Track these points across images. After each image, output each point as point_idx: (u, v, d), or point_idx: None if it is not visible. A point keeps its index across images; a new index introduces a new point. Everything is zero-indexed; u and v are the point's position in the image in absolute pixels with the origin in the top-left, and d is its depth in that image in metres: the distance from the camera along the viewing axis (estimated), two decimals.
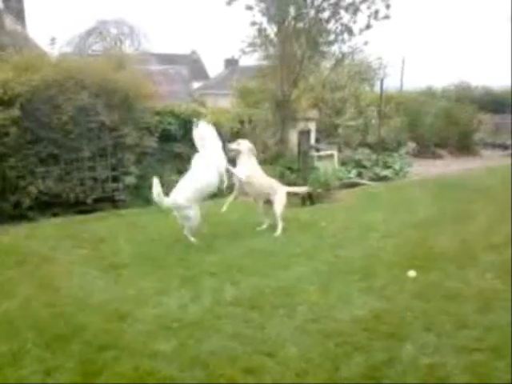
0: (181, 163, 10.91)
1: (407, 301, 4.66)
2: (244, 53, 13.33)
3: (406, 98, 20.58)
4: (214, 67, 50.72)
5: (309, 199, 9.58)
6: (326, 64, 15.02)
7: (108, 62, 9.70)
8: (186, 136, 10.86)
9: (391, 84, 32.52)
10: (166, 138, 10.51)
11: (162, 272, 5.42)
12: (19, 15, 21.25)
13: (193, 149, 10.96)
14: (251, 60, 13.64)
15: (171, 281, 5.16)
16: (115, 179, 9.56)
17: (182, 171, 10.63)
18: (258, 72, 14.31)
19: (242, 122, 11.49)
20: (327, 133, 16.53)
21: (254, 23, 12.20)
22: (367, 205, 9.01)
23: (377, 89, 22.49)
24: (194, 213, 6.46)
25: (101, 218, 8.05)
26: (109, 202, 9.51)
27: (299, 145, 9.62)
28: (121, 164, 9.59)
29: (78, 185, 9.07)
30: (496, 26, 50.22)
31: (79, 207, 9.08)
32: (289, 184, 10.61)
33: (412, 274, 5.29)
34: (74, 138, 8.85)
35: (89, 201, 9.13)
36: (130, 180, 9.54)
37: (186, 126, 10.79)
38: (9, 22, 18.96)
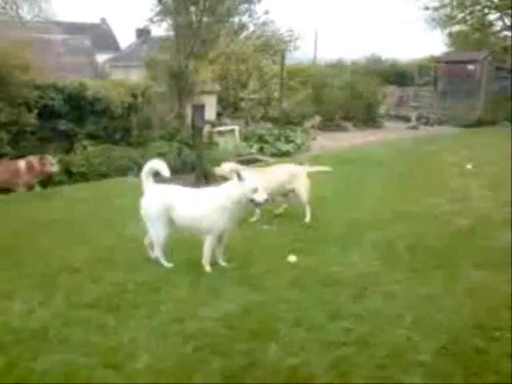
0: (68, 141, 10.08)
1: (282, 290, 4.35)
2: (152, 22, 12.49)
3: (315, 71, 20.53)
4: (126, 37, 48.32)
5: (204, 178, 9.12)
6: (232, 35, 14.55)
7: None
8: (73, 112, 10.04)
9: (305, 56, 32.76)
10: (48, 114, 9.60)
11: (16, 270, 4.75)
12: None
13: (79, 125, 10.19)
14: (161, 30, 12.83)
15: (24, 280, 4.52)
16: None
17: (69, 150, 9.83)
18: (163, 43, 13.56)
19: (134, 96, 10.72)
20: (234, 107, 16.12)
21: None
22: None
23: (288, 61, 22.35)
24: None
25: None
26: None
27: (193, 120, 9.08)
28: None
29: None
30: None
31: None
32: (184, 162, 10.13)
33: (292, 259, 5.01)
34: None
35: None
36: None
37: (72, 101, 9.94)
38: None
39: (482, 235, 5.78)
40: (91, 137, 10.19)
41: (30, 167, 8.37)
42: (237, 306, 4.03)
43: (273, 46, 25.53)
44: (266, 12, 11.77)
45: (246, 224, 6.23)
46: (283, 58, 13.85)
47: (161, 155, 10.23)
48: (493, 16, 25.14)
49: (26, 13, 45.90)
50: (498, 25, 25.94)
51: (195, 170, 9.33)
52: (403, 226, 6.11)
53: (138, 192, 5.07)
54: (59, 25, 31.77)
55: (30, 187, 8.42)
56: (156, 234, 4.93)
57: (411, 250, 5.26)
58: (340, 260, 5.05)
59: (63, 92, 9.76)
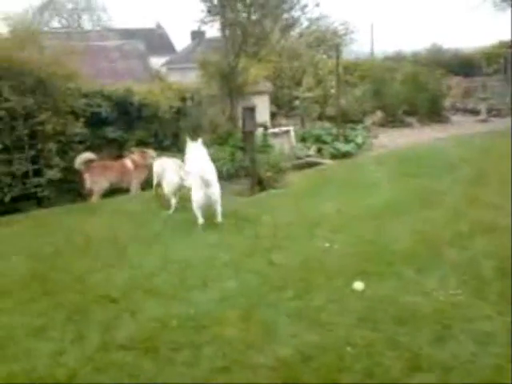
0: (118, 149, 9.74)
1: (348, 329, 3.64)
2: (204, 23, 12.03)
3: (373, 65, 19.49)
4: (183, 40, 48.83)
5: (258, 185, 8.51)
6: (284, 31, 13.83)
7: (15, 39, 8.34)
8: (121, 119, 9.69)
9: (362, 50, 31.59)
10: (96, 122, 9.29)
11: (49, 300, 4.31)
12: None
13: (129, 132, 9.84)
14: (214, 30, 12.39)
15: (56, 313, 4.07)
16: (38, 173, 8.37)
17: (120, 157, 9.47)
18: (214, 43, 13.12)
19: (183, 100, 10.28)
20: (289, 106, 15.43)
21: None
22: (321, 190, 7.96)
23: (344, 56, 21.32)
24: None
25: (11, 222, 6.85)
26: (33, 199, 8.34)
27: (243, 123, 8.49)
28: (42, 155, 8.38)
29: None
30: None
31: None
32: (238, 167, 9.53)
33: (359, 285, 4.29)
34: None
35: (7, 199, 7.95)
36: (52, 174, 8.33)
37: (119, 107, 9.60)
38: None
39: None
40: (141, 143, 9.81)
41: (135, 163, 8.67)
42: (294, 351, 3.38)
43: (327, 41, 24.65)
44: (317, 5, 10.95)
45: (299, 240, 5.59)
46: (339, 52, 13.03)
47: (213, 160, 9.78)
48: None
49: (86, 23, 47.50)
50: None
51: (249, 174, 8.75)
52: (487, 241, 5.21)
53: None
54: (115, 32, 32.29)
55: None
56: None
57: (501, 273, 4.40)
58: (415, 287, 4.28)
59: (110, 99, 9.44)
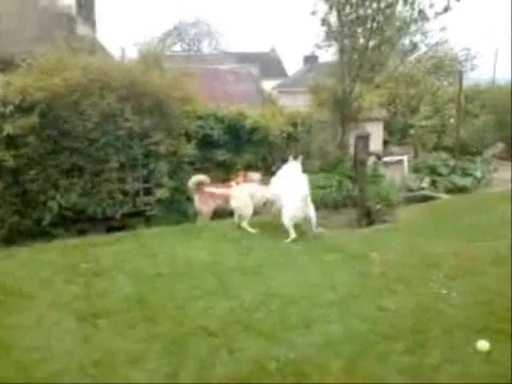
0: (225, 172, 9.76)
1: None
2: (319, 47, 11.95)
3: (496, 93, 18.15)
4: (294, 64, 49.61)
5: (366, 217, 8.07)
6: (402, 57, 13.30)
7: (140, 63, 8.72)
8: (231, 142, 9.75)
9: (481, 77, 29.65)
10: (207, 144, 9.41)
11: (148, 326, 4.22)
12: (89, 19, 21.14)
13: (237, 155, 9.86)
14: (328, 55, 12.24)
15: (155, 341, 3.97)
16: (148, 192, 8.62)
17: (226, 180, 9.49)
18: (328, 68, 12.93)
19: (294, 125, 10.14)
20: (401, 134, 14.75)
21: (314, 12, 10.76)
22: (436, 227, 7.34)
23: (464, 82, 20.11)
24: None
25: (117, 240, 6.98)
26: (141, 217, 8.58)
27: (355, 151, 8.12)
28: (153, 175, 8.61)
29: (106, 198, 8.18)
30: None
31: (109, 223, 8.25)
32: (345, 196, 9.15)
33: (483, 345, 3.72)
34: (100, 147, 7.97)
35: (118, 216, 8.24)
36: (161, 193, 8.51)
37: (231, 130, 9.65)
38: (80, 27, 18.84)
39: None
40: (249, 167, 9.78)
41: None
42: None
43: (445, 67, 23.44)
44: (443, 29, 10.28)
45: (412, 283, 5.09)
46: (461, 79, 12.21)
47: (319, 188, 9.48)
48: None
49: (205, 47, 50.04)
50: None
51: (357, 205, 8.34)
52: None
53: None
54: (232, 55, 33.47)
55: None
56: None
57: None
58: None
59: (223, 121, 9.52)
